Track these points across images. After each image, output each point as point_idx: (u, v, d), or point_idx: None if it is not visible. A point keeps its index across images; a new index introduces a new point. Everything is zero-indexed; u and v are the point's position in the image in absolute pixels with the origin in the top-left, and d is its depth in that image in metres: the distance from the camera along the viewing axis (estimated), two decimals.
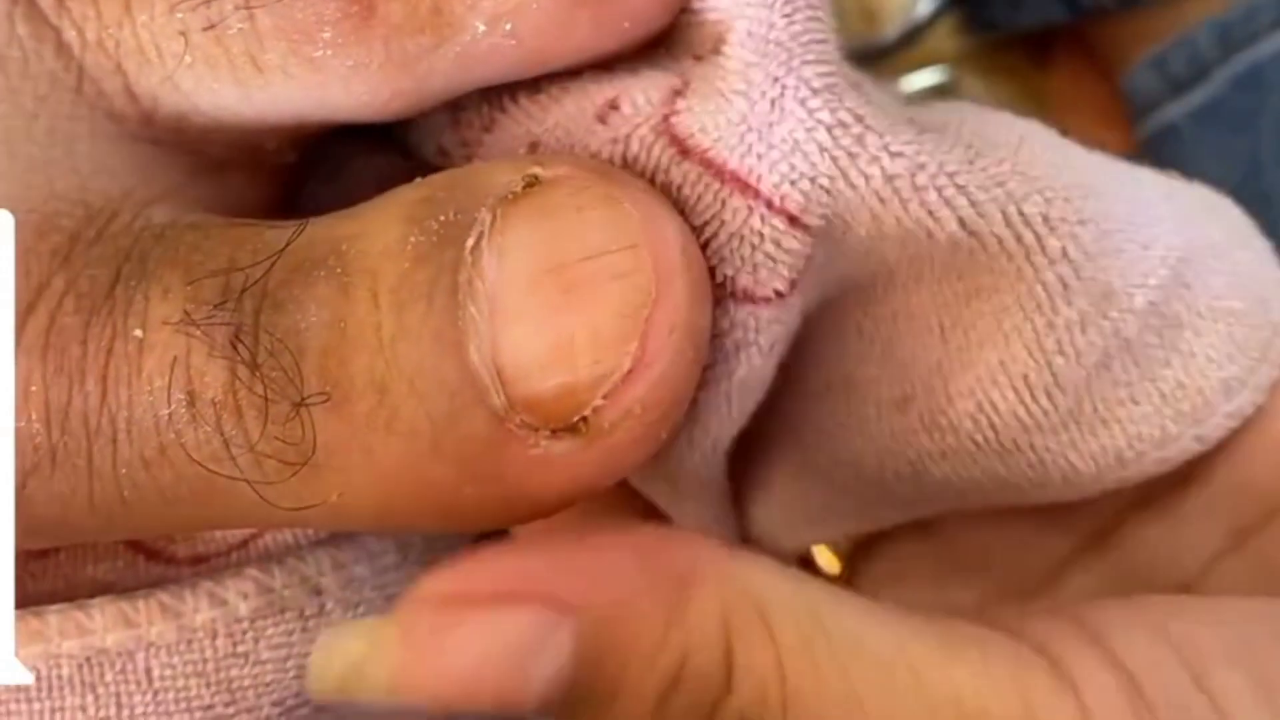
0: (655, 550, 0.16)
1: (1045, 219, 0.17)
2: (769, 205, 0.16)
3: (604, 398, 0.14)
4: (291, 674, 0.18)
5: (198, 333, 0.15)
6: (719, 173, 0.16)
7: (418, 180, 0.15)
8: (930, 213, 0.17)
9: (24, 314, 0.15)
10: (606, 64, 0.17)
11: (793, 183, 0.16)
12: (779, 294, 0.17)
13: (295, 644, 0.18)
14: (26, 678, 0.17)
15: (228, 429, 0.15)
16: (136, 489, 0.15)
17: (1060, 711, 0.15)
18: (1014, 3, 0.56)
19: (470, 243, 0.14)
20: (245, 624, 0.18)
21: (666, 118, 0.16)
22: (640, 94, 0.16)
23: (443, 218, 0.15)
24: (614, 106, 0.16)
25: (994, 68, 0.61)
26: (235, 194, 0.17)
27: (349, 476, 0.15)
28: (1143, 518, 0.20)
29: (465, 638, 0.14)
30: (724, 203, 0.16)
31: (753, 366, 0.17)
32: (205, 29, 0.15)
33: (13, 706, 0.17)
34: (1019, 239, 0.17)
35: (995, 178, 0.17)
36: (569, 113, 0.16)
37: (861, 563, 0.23)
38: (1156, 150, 0.52)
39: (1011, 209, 0.17)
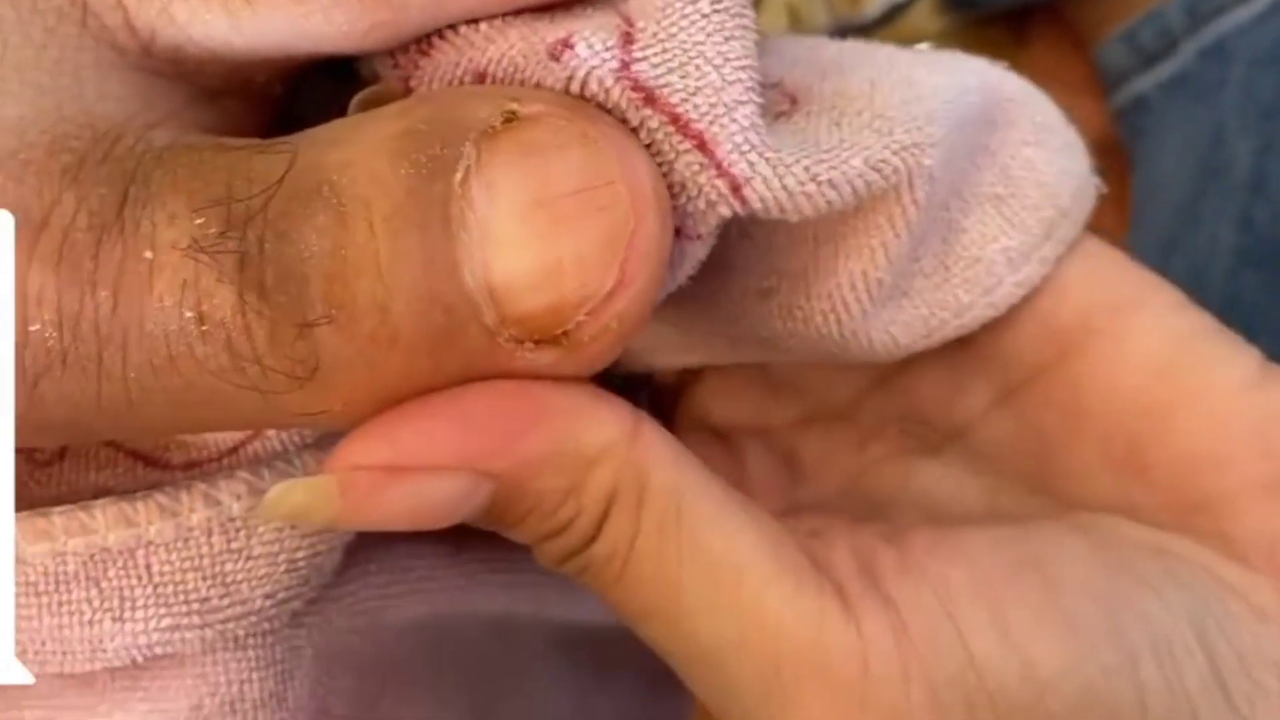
0: (573, 428, 0.18)
1: (906, 149, 0.19)
2: (718, 168, 0.18)
3: (586, 314, 0.16)
4: (282, 568, 0.19)
5: (205, 258, 0.16)
6: (684, 128, 0.17)
7: (396, 106, 0.17)
8: (825, 198, 0.19)
9: (38, 228, 0.16)
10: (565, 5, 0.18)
11: (743, 153, 0.18)
12: (702, 236, 0.19)
13: (285, 540, 0.19)
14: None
15: (237, 345, 0.16)
16: (144, 392, 0.16)
17: (842, 638, 0.19)
18: None
19: (459, 176, 0.16)
20: (239, 522, 0.19)
21: (626, 65, 0.17)
22: (591, 34, 0.18)
23: (430, 151, 0.16)
24: (568, 45, 0.17)
25: (974, 45, 0.62)
26: (231, 120, 0.19)
27: (353, 389, 0.16)
28: (926, 365, 0.24)
29: (400, 497, 0.17)
30: (679, 154, 0.17)
31: (674, 283, 0.19)
32: None
33: (22, 600, 0.19)
34: (894, 171, 0.19)
35: (860, 137, 0.19)
36: (517, 47, 0.18)
37: (695, 376, 0.27)
38: (1128, 120, 0.53)
39: (882, 152, 0.19)
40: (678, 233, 0.18)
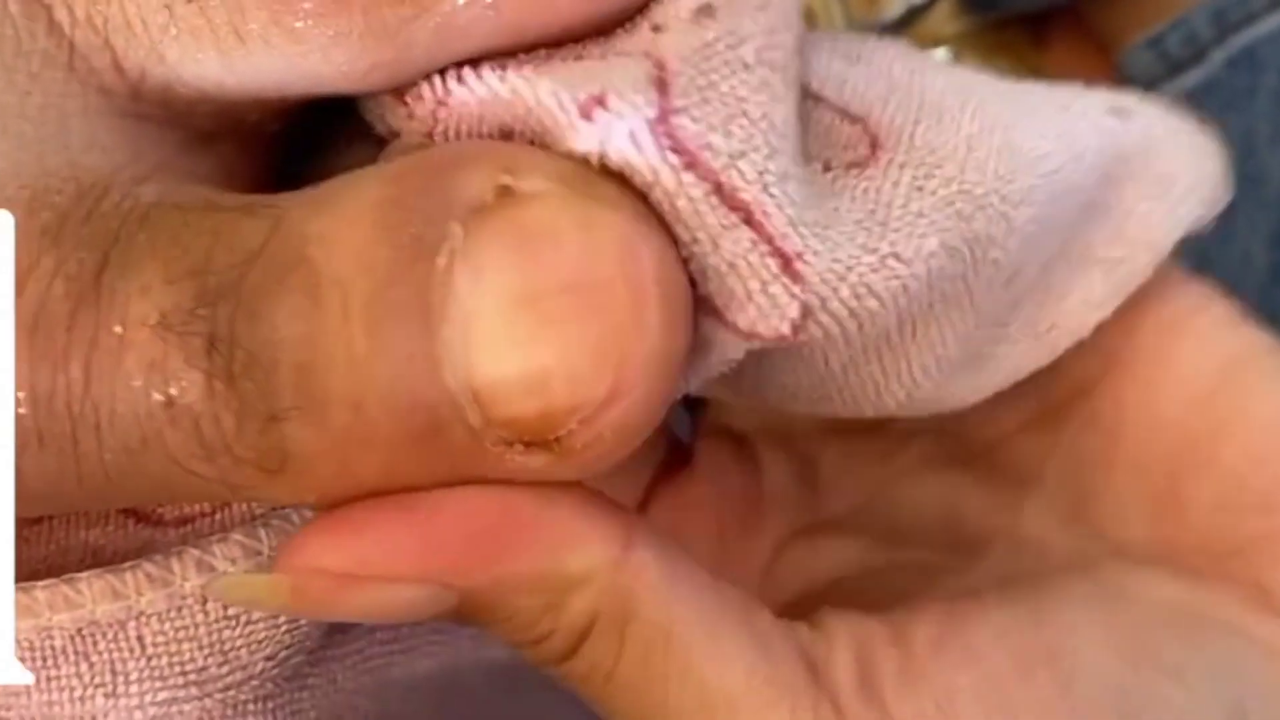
0: (556, 551, 0.17)
1: (979, 240, 0.18)
2: (769, 243, 0.16)
3: (578, 423, 0.15)
4: (283, 629, 0.18)
5: (174, 338, 0.15)
6: (728, 198, 0.16)
7: (383, 168, 0.16)
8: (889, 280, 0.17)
9: (16, 293, 0.15)
10: (576, 39, 0.17)
11: (796, 228, 0.16)
12: (753, 335, 0.17)
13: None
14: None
15: (206, 433, 0.15)
16: (123, 473, 0.15)
17: None
18: None
19: (442, 261, 0.14)
20: None
21: (665, 115, 0.16)
22: (623, 84, 0.16)
23: (412, 230, 0.15)
24: (601, 102, 0.16)
25: (993, 47, 0.62)
26: (225, 165, 0.18)
27: (329, 484, 0.15)
28: None
29: (356, 602, 0.16)
30: (724, 228, 0.16)
31: (710, 372, 0.18)
32: (189, 1, 0.16)
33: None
34: (966, 258, 0.18)
35: (939, 215, 0.18)
36: (547, 105, 0.16)
37: None
38: None
39: (955, 239, 0.18)
40: (720, 318, 0.17)
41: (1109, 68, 0.56)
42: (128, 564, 0.18)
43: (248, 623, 0.18)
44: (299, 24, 0.16)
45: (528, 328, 0.14)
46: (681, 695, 0.18)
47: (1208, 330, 0.21)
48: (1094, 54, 0.58)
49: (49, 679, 0.18)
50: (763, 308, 0.16)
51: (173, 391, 0.15)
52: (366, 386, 0.14)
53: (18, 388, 0.15)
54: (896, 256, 0.17)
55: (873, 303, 0.17)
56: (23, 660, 0.18)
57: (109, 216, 0.16)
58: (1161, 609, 0.20)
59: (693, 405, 0.26)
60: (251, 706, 0.20)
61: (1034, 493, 0.22)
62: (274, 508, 0.18)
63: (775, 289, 0.16)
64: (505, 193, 0.15)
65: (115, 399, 0.15)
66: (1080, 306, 0.20)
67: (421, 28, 0.16)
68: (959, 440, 0.23)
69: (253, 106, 0.17)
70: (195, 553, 0.18)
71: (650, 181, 0.15)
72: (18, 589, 0.17)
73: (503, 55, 0.17)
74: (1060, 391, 0.22)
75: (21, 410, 0.15)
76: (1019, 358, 0.20)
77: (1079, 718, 0.18)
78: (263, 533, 0.18)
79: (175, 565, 0.18)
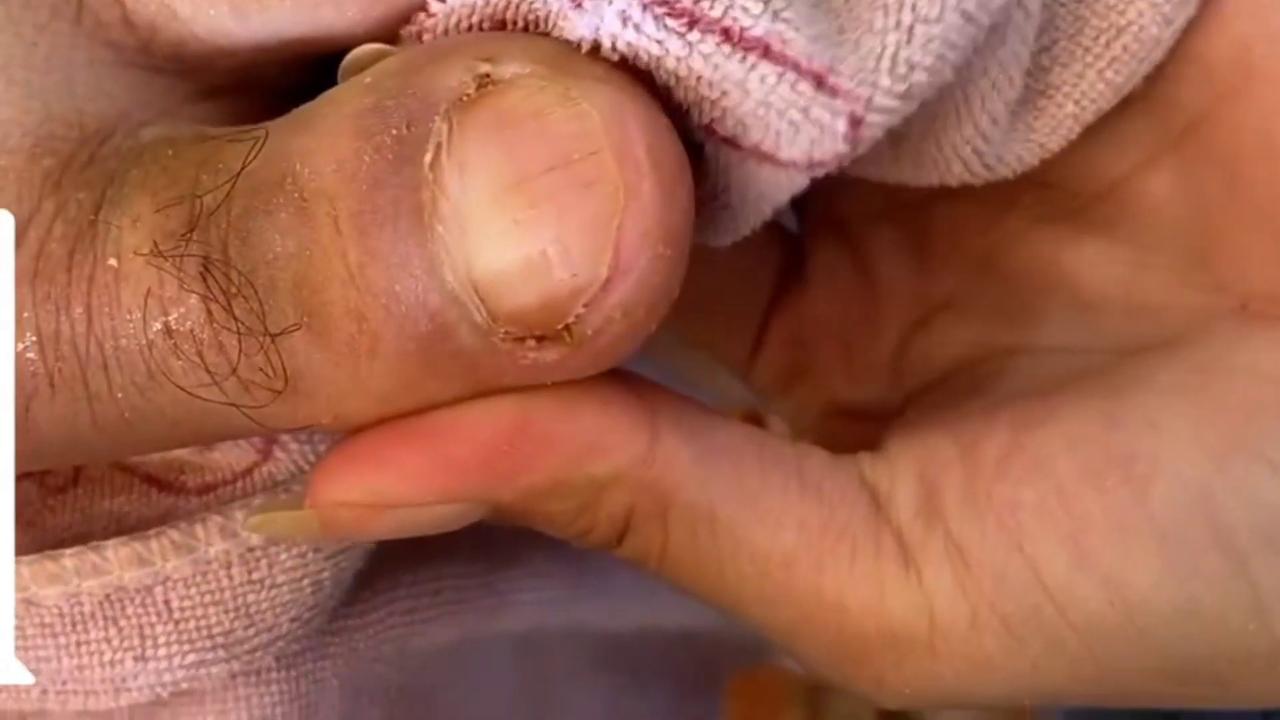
0: (578, 461, 0.17)
1: None
2: (797, 69, 0.15)
3: (584, 306, 0.15)
4: (307, 590, 0.19)
5: (167, 264, 0.15)
6: (741, 39, 0.15)
7: (365, 78, 0.15)
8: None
9: (18, 240, 0.15)
10: None
11: (826, 45, 0.16)
12: (815, 164, 0.16)
13: (309, 564, 0.19)
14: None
15: (208, 358, 0.15)
16: (136, 411, 0.15)
17: (905, 598, 0.18)
18: None
19: (428, 158, 0.14)
20: (258, 553, 0.18)
21: None
22: None
23: (395, 131, 0.14)
24: None
25: None
26: (236, 117, 0.18)
27: (340, 401, 0.15)
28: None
29: (386, 527, 0.17)
30: (749, 71, 0.15)
31: (761, 218, 0.18)
32: None
33: (39, 642, 0.18)
34: None
35: None
36: None
37: None
38: None
39: None
40: (776, 161, 0.16)
41: None
42: (153, 530, 0.18)
43: (272, 586, 0.19)
44: None
45: (520, 211, 0.14)
46: (736, 567, 0.18)
47: None
48: None
49: (78, 644, 0.18)
50: (812, 135, 0.16)
51: (171, 318, 0.15)
52: (366, 295, 0.14)
53: (24, 335, 0.15)
54: (923, 20, 0.16)
55: (920, 76, 0.16)
56: (52, 626, 0.18)
57: (109, 158, 0.16)
58: (1269, 387, 0.18)
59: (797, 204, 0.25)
60: (275, 674, 0.20)
61: (1151, 245, 0.21)
62: (296, 433, 0.18)
63: (817, 111, 0.16)
64: (485, 81, 0.14)
65: (117, 334, 0.15)
66: (1130, 10, 0.19)
67: None
68: (1069, 190, 0.21)
69: (269, 61, 0.17)
70: (218, 518, 0.18)
71: (658, 56, 0.15)
72: (45, 556, 0.18)
73: None
74: (1173, 123, 0.20)
75: (30, 356, 0.15)
76: (1075, 84, 0.19)
77: (1158, 526, 0.17)
78: (283, 496, 0.19)
79: (200, 531, 0.18)
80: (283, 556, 0.18)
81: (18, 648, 0.18)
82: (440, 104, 0.14)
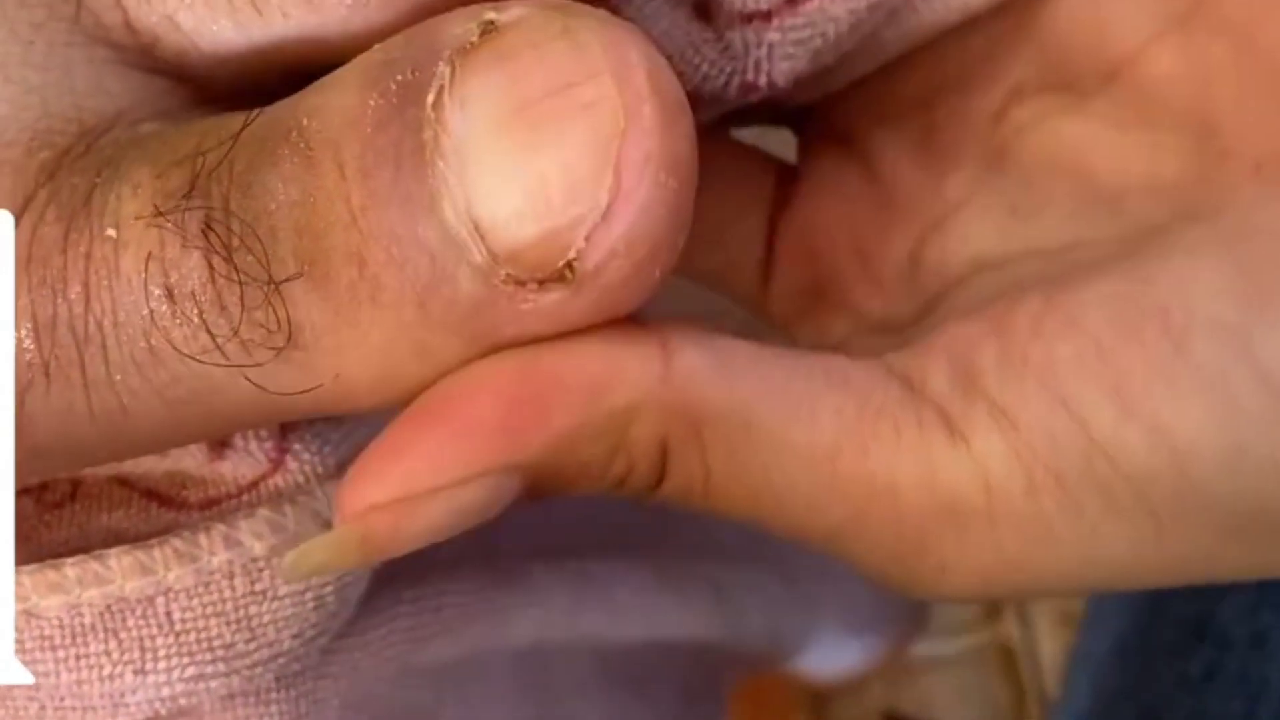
0: (595, 394, 0.16)
1: None
2: None
3: (585, 239, 0.14)
4: (310, 606, 0.19)
5: (169, 225, 0.15)
6: None
7: (376, 45, 0.16)
8: None
9: (11, 230, 0.15)
10: None
11: None
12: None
13: (311, 579, 0.18)
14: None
15: (210, 319, 0.15)
16: (134, 395, 0.15)
17: (957, 468, 0.17)
18: None
19: (431, 98, 0.14)
20: (261, 563, 0.18)
21: None
22: None
23: (400, 77, 0.15)
24: None
25: None
26: None
27: (342, 355, 0.15)
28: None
29: (426, 523, 0.16)
30: None
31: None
32: None
33: (38, 655, 0.18)
34: None
35: None
36: None
37: None
38: None
39: None
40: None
41: None
42: (155, 540, 0.18)
43: (274, 599, 0.18)
44: None
45: (520, 136, 0.14)
46: (782, 469, 0.17)
47: None
48: None
49: (78, 657, 0.18)
50: None
51: (173, 279, 0.15)
52: (367, 237, 0.14)
53: (20, 323, 0.15)
54: None
55: None
56: (51, 639, 0.18)
57: (106, 148, 0.16)
58: None
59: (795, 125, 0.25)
60: (275, 694, 0.20)
61: (1161, 124, 0.20)
62: (303, 407, 0.18)
63: None
64: (489, 28, 0.15)
65: (117, 306, 0.15)
66: None
67: None
68: (1077, 81, 0.21)
69: (271, 69, 0.17)
70: (222, 528, 0.18)
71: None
72: (46, 565, 0.18)
73: None
74: (1178, 1, 0.20)
75: (26, 345, 0.15)
76: None
77: (1200, 375, 0.17)
78: (288, 508, 0.19)
79: (203, 540, 0.18)
80: None
81: (18, 662, 0.18)
82: (445, 50, 0.15)
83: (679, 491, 0.18)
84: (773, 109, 0.24)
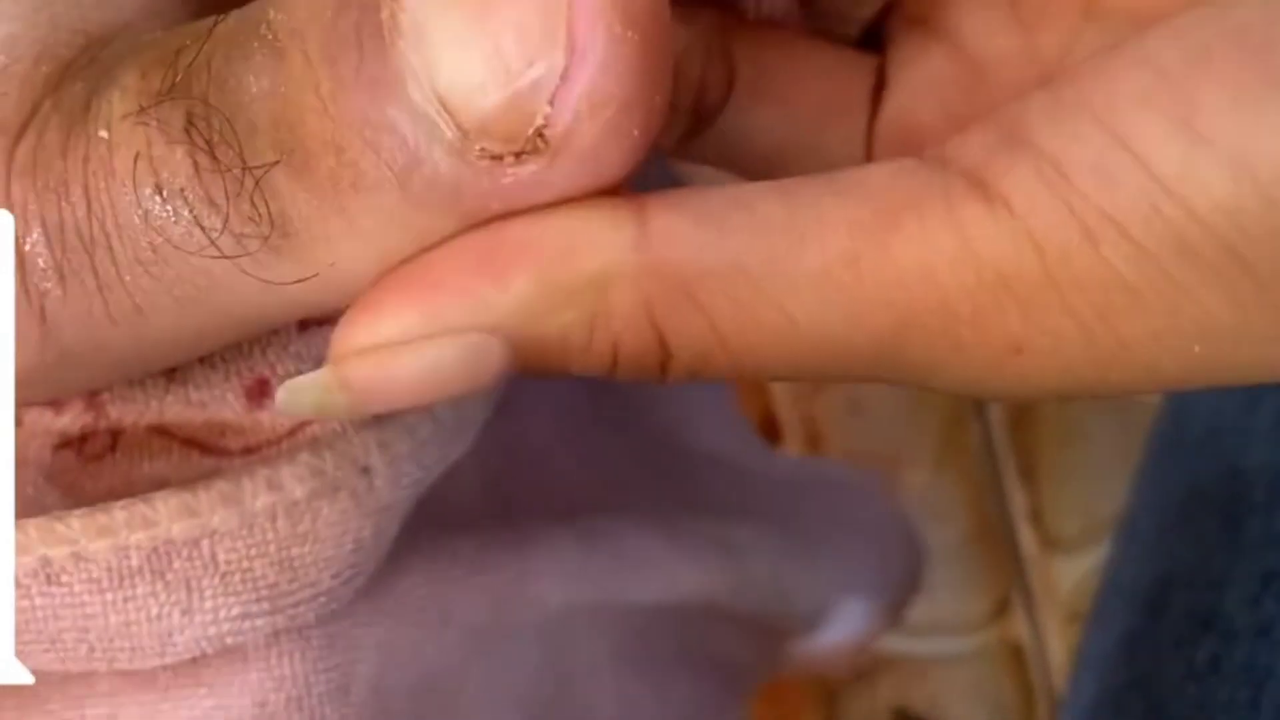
0: (560, 255, 0.16)
1: None
2: None
3: (549, 104, 0.15)
4: (349, 547, 0.19)
5: (153, 122, 0.15)
6: None
7: None
8: None
9: (16, 139, 0.16)
10: None
11: None
12: None
13: (350, 519, 0.19)
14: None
15: (201, 214, 0.15)
16: (145, 294, 0.16)
17: (995, 231, 0.16)
18: None
19: None
20: (303, 505, 0.19)
21: None
22: None
23: None
24: None
25: None
26: None
27: (334, 243, 0.15)
28: None
29: (404, 375, 0.16)
30: None
31: None
32: None
33: (86, 598, 0.19)
34: None
35: None
36: None
37: None
38: None
39: None
40: None
41: None
42: (200, 482, 0.19)
43: (315, 540, 0.19)
44: None
45: (470, 5, 0.14)
46: (801, 300, 0.16)
47: None
48: None
49: (126, 599, 0.19)
50: None
51: (163, 175, 0.15)
52: (340, 124, 0.15)
53: (31, 230, 0.15)
54: None
55: None
56: (99, 581, 0.18)
57: (108, 58, 0.16)
58: None
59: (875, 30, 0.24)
60: (315, 632, 0.20)
61: None
62: (308, 312, 0.18)
63: None
64: None
65: (116, 207, 0.15)
66: None
67: None
68: None
69: None
70: (265, 471, 0.19)
71: None
72: (96, 509, 0.18)
73: None
74: None
75: (38, 251, 0.15)
76: None
77: None
78: (327, 454, 0.19)
79: (246, 484, 0.19)
80: (325, 510, 0.19)
81: (66, 605, 0.18)
82: None
83: (695, 362, 0.17)
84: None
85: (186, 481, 0.19)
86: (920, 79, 0.22)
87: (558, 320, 0.16)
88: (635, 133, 0.15)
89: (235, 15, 0.15)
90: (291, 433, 0.20)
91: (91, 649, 0.19)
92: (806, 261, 0.16)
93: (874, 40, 0.23)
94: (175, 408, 0.19)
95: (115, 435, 0.20)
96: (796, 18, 0.22)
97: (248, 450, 0.20)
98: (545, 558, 0.26)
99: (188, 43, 0.16)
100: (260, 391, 0.20)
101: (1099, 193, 0.15)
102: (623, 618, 0.29)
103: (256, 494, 0.19)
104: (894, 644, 0.72)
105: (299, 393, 0.17)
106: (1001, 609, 0.77)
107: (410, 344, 0.16)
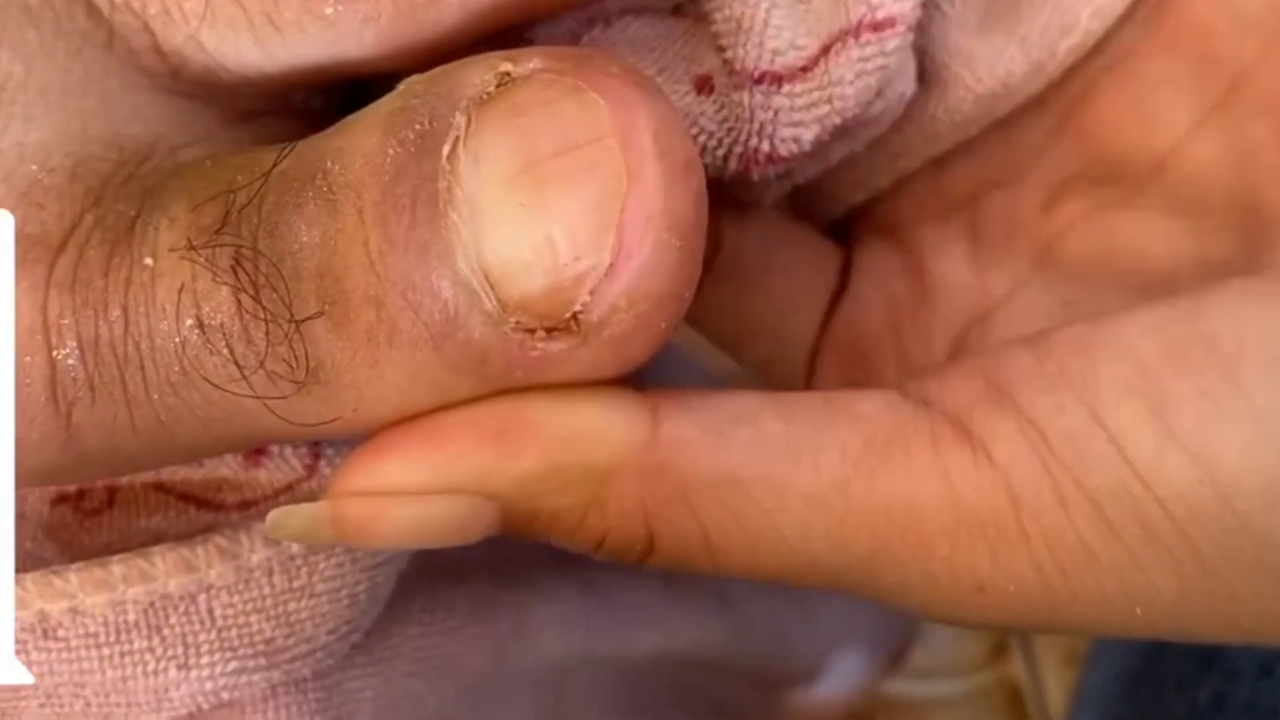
0: (572, 445, 0.17)
1: None
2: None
3: (589, 294, 0.15)
4: (344, 603, 0.19)
5: (201, 259, 0.16)
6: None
7: (399, 87, 0.16)
8: None
9: (56, 251, 0.16)
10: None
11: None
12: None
13: (346, 575, 0.19)
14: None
15: (238, 351, 0.16)
16: (171, 412, 0.16)
17: (977, 479, 0.17)
18: None
19: (446, 149, 0.15)
20: (299, 560, 0.19)
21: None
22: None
23: (419, 126, 0.15)
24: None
25: None
26: (269, 137, 0.19)
27: (360, 391, 0.16)
28: (1108, 95, 0.21)
29: (396, 522, 0.17)
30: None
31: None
32: None
33: (83, 653, 0.19)
34: None
35: None
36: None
37: None
38: None
39: None
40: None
41: None
42: (198, 537, 0.19)
43: (311, 595, 0.19)
44: (330, 10, 0.17)
45: (527, 195, 0.15)
46: (791, 516, 0.17)
47: None
48: None
49: (122, 654, 0.19)
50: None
51: (204, 311, 0.16)
52: (385, 282, 0.15)
53: (65, 342, 0.16)
54: None
55: None
56: (96, 636, 0.19)
57: (148, 176, 0.17)
58: None
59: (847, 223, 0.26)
60: (312, 685, 0.21)
61: (1208, 209, 0.21)
62: (327, 434, 0.18)
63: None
64: (505, 79, 0.15)
65: (153, 332, 0.16)
66: None
67: (447, 6, 0.17)
68: (1120, 168, 0.21)
69: (296, 86, 0.18)
70: (262, 526, 0.19)
71: None
72: (94, 563, 0.19)
73: None
74: (1216, 80, 0.20)
75: (70, 363, 0.16)
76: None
77: (1251, 402, 0.16)
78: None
79: (244, 538, 0.19)
80: (322, 565, 0.19)
81: (62, 660, 0.19)
82: (462, 100, 0.15)
83: (677, 556, 0.18)
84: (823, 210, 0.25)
85: (183, 536, 0.20)
86: (876, 291, 0.24)
87: (556, 501, 0.17)
88: (663, 325, 0.16)
89: (292, 158, 0.16)
90: (287, 488, 0.20)
91: (88, 704, 0.19)
92: (800, 482, 0.17)
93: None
94: (174, 465, 0.20)
95: (112, 491, 0.20)
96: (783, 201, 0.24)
97: (244, 505, 0.20)
98: (544, 609, 0.26)
99: (240, 179, 0.16)
100: (259, 450, 0.20)
101: (1075, 463, 0.17)
102: (620, 668, 0.29)
103: (254, 549, 0.19)
104: (892, 686, 0.72)
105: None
106: (999, 650, 0.77)
107: (408, 495, 0.17)
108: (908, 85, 0.20)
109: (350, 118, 0.16)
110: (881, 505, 0.17)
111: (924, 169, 0.23)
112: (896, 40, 0.19)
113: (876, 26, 0.19)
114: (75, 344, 0.16)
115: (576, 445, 0.17)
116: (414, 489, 0.17)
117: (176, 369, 0.16)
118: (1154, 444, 0.17)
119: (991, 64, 0.21)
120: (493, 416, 0.17)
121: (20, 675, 0.19)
